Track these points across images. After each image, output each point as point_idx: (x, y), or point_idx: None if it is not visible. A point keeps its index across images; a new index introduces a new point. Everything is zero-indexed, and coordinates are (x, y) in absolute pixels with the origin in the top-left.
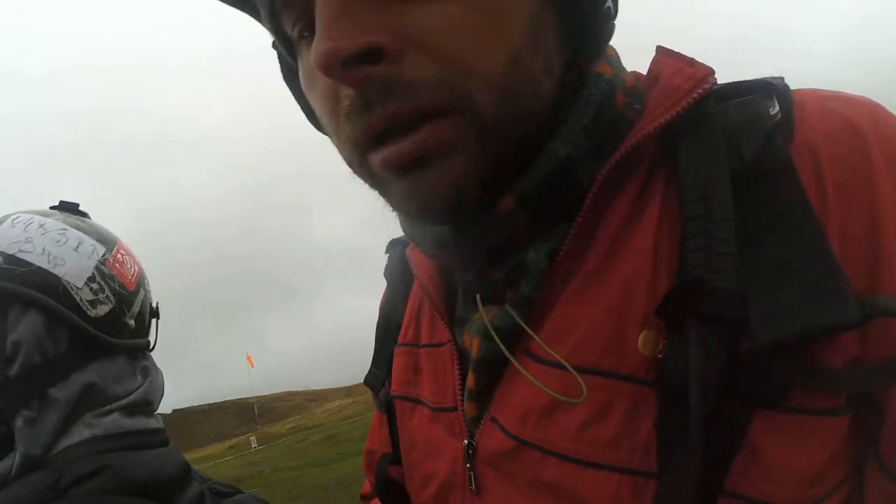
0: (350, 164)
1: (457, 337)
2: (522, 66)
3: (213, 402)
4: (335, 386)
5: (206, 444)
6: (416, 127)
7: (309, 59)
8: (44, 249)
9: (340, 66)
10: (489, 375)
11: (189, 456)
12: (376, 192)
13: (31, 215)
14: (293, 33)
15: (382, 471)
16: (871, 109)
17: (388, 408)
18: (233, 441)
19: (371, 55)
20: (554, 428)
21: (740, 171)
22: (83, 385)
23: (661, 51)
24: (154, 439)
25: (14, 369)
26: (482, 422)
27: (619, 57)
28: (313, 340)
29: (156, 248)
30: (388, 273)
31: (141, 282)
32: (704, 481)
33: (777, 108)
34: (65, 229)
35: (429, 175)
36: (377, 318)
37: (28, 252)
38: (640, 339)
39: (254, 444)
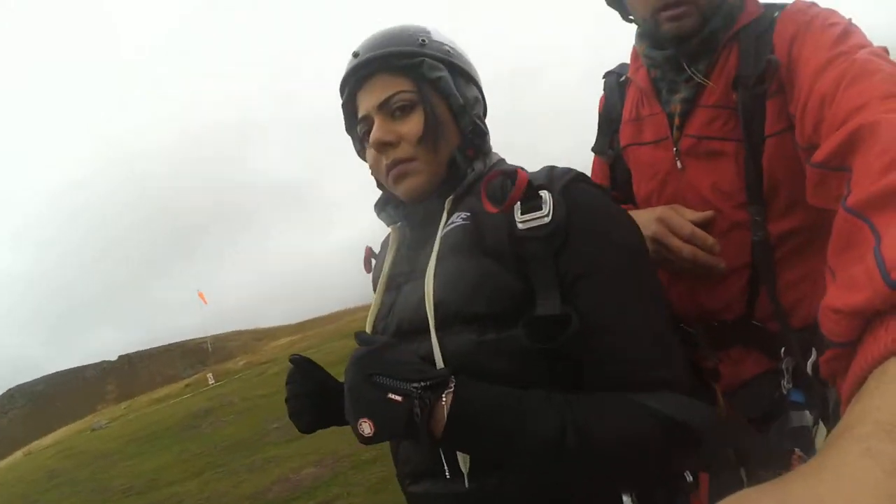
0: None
1: (664, 107)
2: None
3: (159, 345)
4: (282, 324)
5: (155, 388)
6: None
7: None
8: None
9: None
10: (683, 118)
11: (145, 398)
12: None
13: None
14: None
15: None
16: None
17: (613, 160)
18: (189, 380)
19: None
20: (708, 129)
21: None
22: None
23: None
24: None
25: None
26: (682, 138)
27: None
28: (259, 278)
29: (97, 189)
30: (607, 87)
31: None
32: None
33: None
34: None
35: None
36: (599, 116)
37: None
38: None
39: (211, 381)
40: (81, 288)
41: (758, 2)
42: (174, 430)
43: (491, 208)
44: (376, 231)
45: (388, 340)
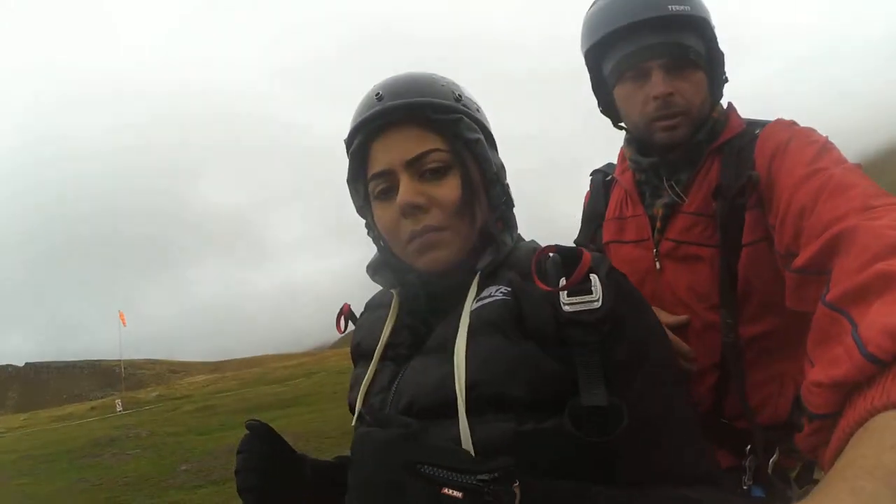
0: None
1: (647, 209)
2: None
3: (69, 359)
4: (201, 360)
5: (59, 404)
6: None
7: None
8: None
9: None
10: (664, 221)
11: (46, 414)
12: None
13: None
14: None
15: None
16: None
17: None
18: (94, 403)
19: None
20: (688, 234)
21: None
22: None
23: (730, 106)
24: None
25: None
26: (662, 241)
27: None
28: (182, 309)
29: (32, 182)
30: (594, 185)
31: None
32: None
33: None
34: None
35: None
36: (583, 212)
37: None
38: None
39: (119, 408)
40: None
41: (741, 117)
42: (74, 454)
43: (543, 286)
44: (311, 280)
45: (418, 423)
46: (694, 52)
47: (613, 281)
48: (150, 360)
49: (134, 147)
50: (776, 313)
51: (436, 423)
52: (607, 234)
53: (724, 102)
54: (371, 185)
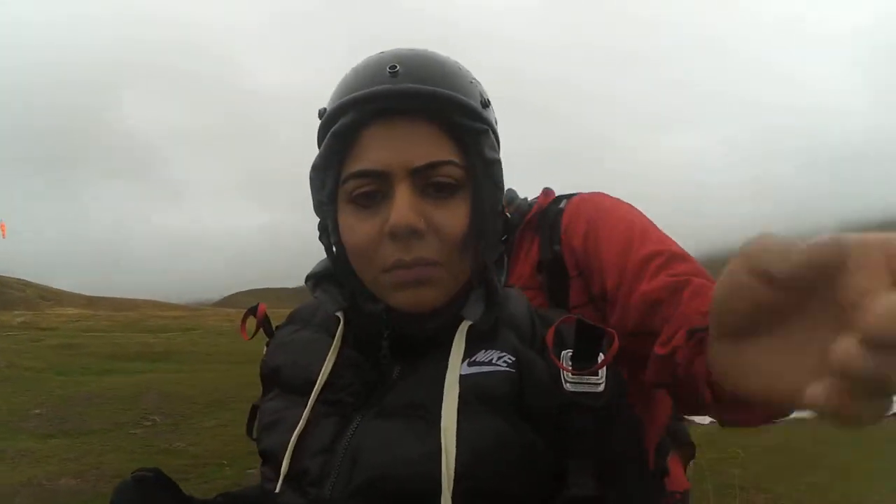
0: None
1: None
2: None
3: None
4: (75, 291)
5: None
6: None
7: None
8: None
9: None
10: None
11: None
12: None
13: None
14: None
15: None
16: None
17: None
18: None
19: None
20: None
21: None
22: None
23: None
24: None
25: None
26: None
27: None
28: (67, 235)
29: None
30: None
31: None
32: None
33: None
34: None
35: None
36: None
37: None
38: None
39: None
40: None
41: (550, 193)
42: None
43: (559, 364)
44: (211, 233)
45: None
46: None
47: (615, 367)
48: (22, 280)
49: (55, 59)
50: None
51: None
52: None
53: None
54: (349, 184)
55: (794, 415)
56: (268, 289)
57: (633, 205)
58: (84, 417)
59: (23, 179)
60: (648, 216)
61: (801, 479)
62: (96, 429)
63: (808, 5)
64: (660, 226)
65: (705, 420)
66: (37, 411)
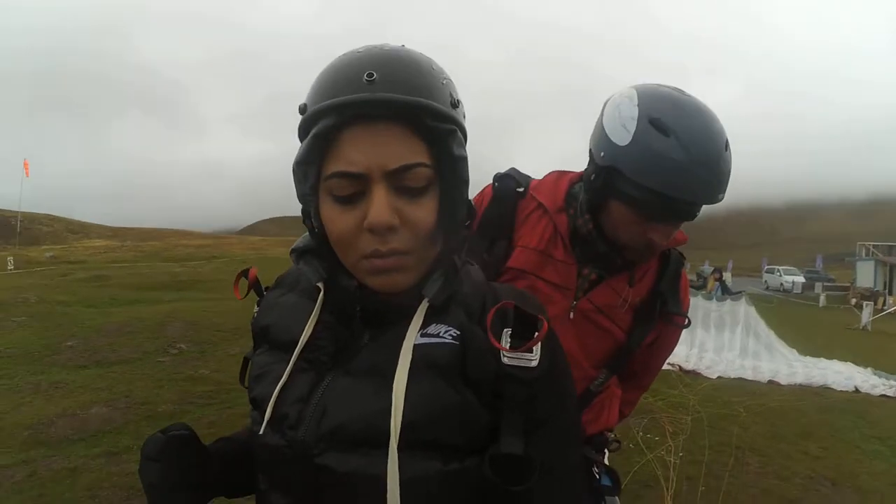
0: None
1: (578, 261)
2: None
3: None
4: (101, 223)
5: None
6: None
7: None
8: None
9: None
10: (592, 285)
11: None
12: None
13: None
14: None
15: None
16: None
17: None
18: None
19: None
20: (608, 308)
21: None
22: None
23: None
24: None
25: None
26: (582, 299)
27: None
28: (92, 168)
29: None
30: (501, 191)
31: None
32: None
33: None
34: None
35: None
36: (482, 216)
37: None
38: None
39: (10, 266)
40: None
41: (682, 235)
42: None
43: (496, 344)
44: (233, 161)
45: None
46: None
47: (550, 345)
48: (49, 215)
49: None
50: (624, 375)
51: (362, 452)
52: (523, 261)
53: None
54: (330, 182)
55: (803, 383)
56: (290, 216)
57: None
58: (114, 347)
59: (44, 117)
60: None
61: (795, 446)
62: (125, 358)
63: None
64: None
65: (713, 375)
66: (69, 343)
